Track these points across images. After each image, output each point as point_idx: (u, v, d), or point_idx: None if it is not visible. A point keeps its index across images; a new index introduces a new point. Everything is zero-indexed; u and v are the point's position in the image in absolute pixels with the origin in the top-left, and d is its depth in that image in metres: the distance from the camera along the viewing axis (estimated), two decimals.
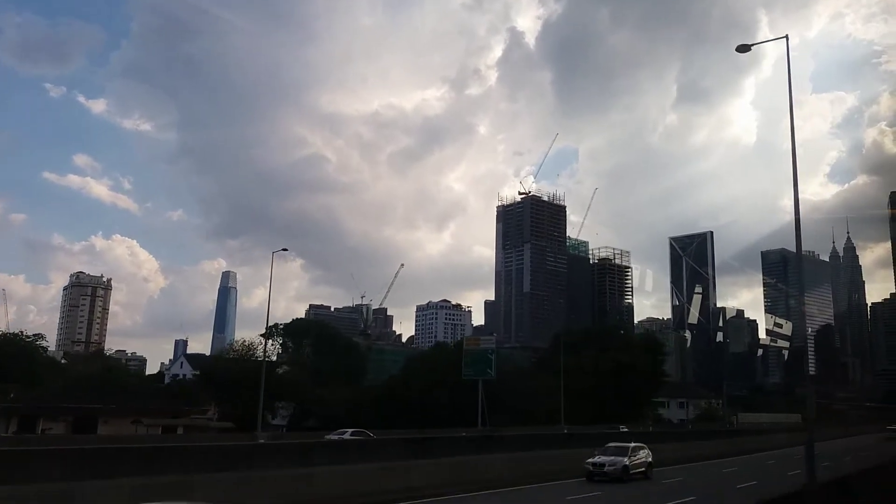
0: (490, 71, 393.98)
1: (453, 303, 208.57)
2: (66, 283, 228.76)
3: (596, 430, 47.83)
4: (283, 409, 67.57)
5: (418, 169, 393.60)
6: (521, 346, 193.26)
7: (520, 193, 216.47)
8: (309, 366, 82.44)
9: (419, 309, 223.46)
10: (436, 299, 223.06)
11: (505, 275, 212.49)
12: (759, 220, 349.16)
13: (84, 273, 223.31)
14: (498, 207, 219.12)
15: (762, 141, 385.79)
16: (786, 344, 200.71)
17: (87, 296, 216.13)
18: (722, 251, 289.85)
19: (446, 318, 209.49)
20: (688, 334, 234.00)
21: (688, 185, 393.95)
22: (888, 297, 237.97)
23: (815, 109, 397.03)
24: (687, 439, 41.07)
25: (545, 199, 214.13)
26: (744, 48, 23.80)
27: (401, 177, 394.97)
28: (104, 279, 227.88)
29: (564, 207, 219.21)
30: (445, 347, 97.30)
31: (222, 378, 59.04)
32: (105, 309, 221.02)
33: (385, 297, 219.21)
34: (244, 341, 72.31)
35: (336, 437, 36.48)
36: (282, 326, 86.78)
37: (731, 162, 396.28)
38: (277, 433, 50.19)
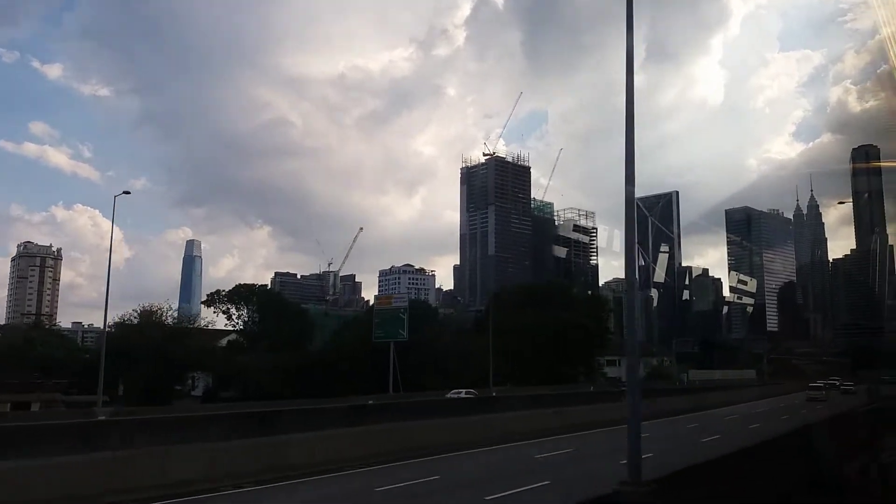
0: (458, 31, 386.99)
1: (416, 267, 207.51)
2: (14, 254, 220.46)
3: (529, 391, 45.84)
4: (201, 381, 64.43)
5: (386, 133, 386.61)
6: (486, 309, 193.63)
7: (484, 155, 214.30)
8: (253, 333, 79.29)
9: (382, 274, 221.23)
10: (402, 264, 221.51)
11: (469, 237, 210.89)
12: (725, 180, 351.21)
13: (32, 243, 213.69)
14: (462, 169, 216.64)
15: (729, 100, 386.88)
16: (750, 301, 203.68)
17: (35, 266, 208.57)
18: (689, 211, 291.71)
19: (409, 283, 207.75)
20: (654, 293, 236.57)
21: (656, 145, 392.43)
22: (849, 252, 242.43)
23: (781, 68, 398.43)
24: (595, 402, 37.84)
25: (509, 160, 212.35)
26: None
27: (369, 141, 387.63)
28: (53, 249, 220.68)
29: (529, 168, 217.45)
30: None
31: (122, 349, 51.69)
32: (55, 280, 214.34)
33: (343, 263, 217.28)
34: (143, 306, 66.52)
35: (454, 395, 43.79)
36: (224, 293, 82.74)
37: (698, 122, 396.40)
38: (131, 409, 38.75)
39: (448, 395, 42.67)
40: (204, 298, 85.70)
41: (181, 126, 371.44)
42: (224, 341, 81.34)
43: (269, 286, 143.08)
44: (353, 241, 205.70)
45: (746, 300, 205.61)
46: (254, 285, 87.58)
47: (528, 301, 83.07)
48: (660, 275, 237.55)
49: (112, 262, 65.18)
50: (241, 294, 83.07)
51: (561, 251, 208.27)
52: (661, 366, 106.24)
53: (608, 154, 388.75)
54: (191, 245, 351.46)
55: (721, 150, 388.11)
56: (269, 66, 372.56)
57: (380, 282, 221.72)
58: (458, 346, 74.02)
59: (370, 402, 31.18)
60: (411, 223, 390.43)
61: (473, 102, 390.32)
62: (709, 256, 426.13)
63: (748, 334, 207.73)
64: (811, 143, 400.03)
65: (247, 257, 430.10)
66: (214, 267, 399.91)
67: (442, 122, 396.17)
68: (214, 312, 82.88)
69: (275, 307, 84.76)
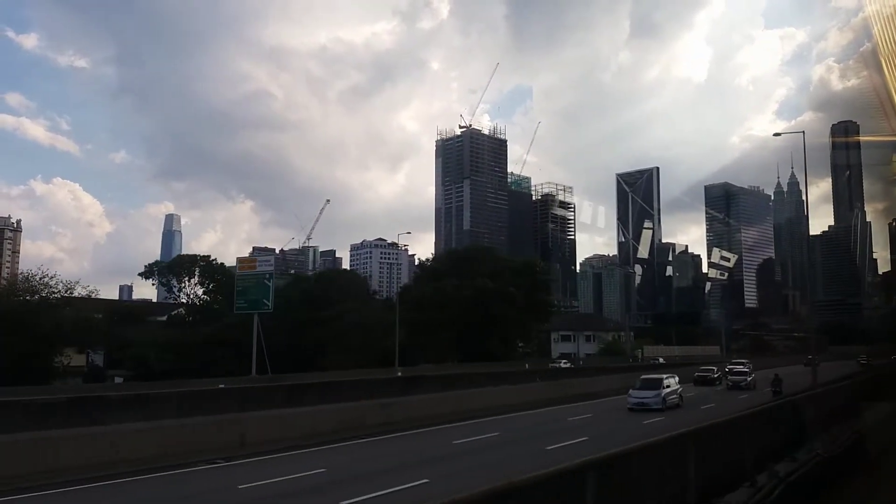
0: (442, 3, 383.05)
1: (389, 241, 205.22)
2: None
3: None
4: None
5: (369, 107, 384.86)
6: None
7: (460, 127, 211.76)
8: (194, 307, 75.79)
9: (353, 248, 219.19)
10: (375, 238, 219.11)
11: (445, 212, 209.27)
12: (708, 157, 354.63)
13: None
14: (437, 141, 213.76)
15: (713, 77, 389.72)
16: (723, 278, 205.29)
17: None
18: (672, 188, 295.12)
19: (381, 258, 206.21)
20: (638, 269, 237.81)
21: (640, 122, 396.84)
22: (826, 228, 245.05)
23: (766, 46, 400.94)
24: (501, 382, 33.11)
25: (486, 133, 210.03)
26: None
27: (351, 115, 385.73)
28: (13, 220, 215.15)
29: (505, 142, 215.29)
30: (301, 278, 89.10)
31: None
32: (15, 252, 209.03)
33: (310, 236, 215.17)
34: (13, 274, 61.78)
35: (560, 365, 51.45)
36: (164, 264, 79.27)
37: (682, 99, 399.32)
38: None
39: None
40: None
41: (161, 98, 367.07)
42: (165, 317, 77.95)
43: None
44: (320, 212, 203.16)
45: (722, 276, 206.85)
46: (196, 256, 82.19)
47: (453, 270, 75.97)
48: (643, 251, 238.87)
49: (93, 236, 62.23)
50: (183, 264, 78.30)
51: (546, 227, 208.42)
52: (618, 341, 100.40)
53: (593, 130, 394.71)
54: (170, 220, 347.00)
55: (704, 128, 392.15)
56: (250, 37, 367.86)
57: (351, 256, 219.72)
58: (371, 320, 67.86)
59: (221, 385, 28.27)
60: (395, 199, 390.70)
61: (457, 77, 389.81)
62: (692, 233, 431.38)
63: (727, 310, 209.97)
64: (794, 121, 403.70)
65: (229, 232, 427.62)
66: (196, 242, 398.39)
67: (426, 96, 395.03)
68: (153, 285, 78.92)
69: (221, 280, 78.19)
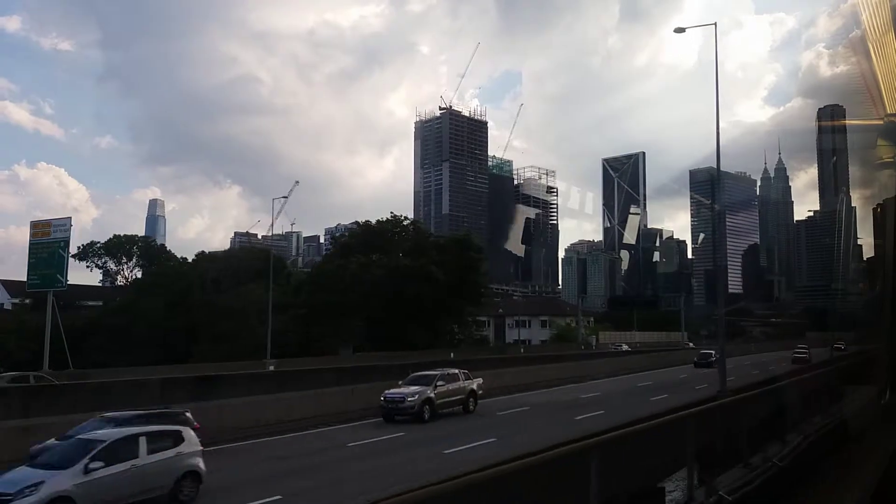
0: None
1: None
2: None
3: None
4: None
5: (358, 91, 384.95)
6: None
7: (440, 108, 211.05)
8: (132, 288, 71.69)
9: (328, 233, 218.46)
10: (350, 222, 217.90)
11: (423, 195, 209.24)
12: (696, 143, 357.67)
13: None
14: (416, 123, 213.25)
15: (702, 63, 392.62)
16: (709, 263, 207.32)
17: None
18: (660, 174, 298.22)
19: None
20: (625, 255, 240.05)
21: (628, 107, 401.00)
22: (811, 213, 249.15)
23: (756, 31, 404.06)
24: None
25: (465, 114, 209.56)
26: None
27: (339, 99, 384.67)
28: None
29: (486, 123, 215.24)
30: (208, 258, 78.99)
31: None
32: None
33: (278, 217, 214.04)
34: None
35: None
36: (100, 245, 75.17)
37: (671, 84, 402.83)
38: None
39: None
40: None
41: (146, 82, 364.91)
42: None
43: (229, 247, 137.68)
44: (288, 193, 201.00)
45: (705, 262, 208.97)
46: (135, 236, 79.35)
47: (366, 246, 69.37)
48: (629, 237, 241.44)
49: (78, 222, 61.09)
50: (122, 245, 75.41)
51: (528, 212, 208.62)
52: (571, 327, 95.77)
53: (583, 116, 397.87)
54: (154, 205, 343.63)
55: (693, 114, 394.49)
56: (236, 21, 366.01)
57: (326, 241, 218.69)
58: (250, 305, 59.66)
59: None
60: (382, 184, 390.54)
61: (447, 61, 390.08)
62: (679, 220, 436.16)
63: (709, 295, 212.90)
64: (782, 107, 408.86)
65: (216, 218, 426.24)
66: (183, 227, 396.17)
67: (415, 80, 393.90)
68: (88, 267, 74.95)
69: (157, 259, 75.27)
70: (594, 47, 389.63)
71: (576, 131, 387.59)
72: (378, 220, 75.42)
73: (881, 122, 7.92)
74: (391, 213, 75.46)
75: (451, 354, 54.33)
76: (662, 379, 41.66)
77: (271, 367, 39.93)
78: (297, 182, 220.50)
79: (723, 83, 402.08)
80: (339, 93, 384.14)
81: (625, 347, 78.32)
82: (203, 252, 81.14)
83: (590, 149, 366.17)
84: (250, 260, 76.54)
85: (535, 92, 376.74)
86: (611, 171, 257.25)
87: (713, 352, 47.85)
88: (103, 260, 75.01)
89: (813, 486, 9.74)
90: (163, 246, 77.76)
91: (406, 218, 77.64)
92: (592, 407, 25.64)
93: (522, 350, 74.05)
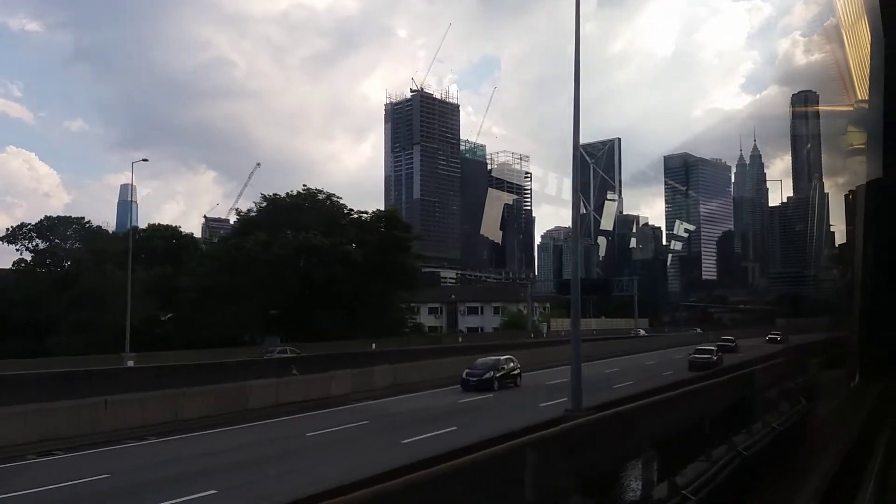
0: None
1: None
2: None
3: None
4: None
5: (333, 75, 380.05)
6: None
7: (411, 91, 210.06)
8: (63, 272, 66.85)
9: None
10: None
11: (394, 179, 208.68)
12: (672, 131, 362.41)
13: None
14: (386, 105, 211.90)
15: (679, 51, 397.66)
16: (683, 250, 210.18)
17: None
18: (637, 161, 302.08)
19: None
20: (602, 242, 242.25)
21: (604, 95, 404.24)
22: (785, 200, 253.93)
23: (733, 18, 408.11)
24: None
25: (437, 96, 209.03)
26: None
27: (314, 83, 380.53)
28: None
29: (458, 106, 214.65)
30: (114, 237, 71.87)
31: None
32: None
33: (238, 200, 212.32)
34: None
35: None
36: (31, 226, 70.72)
37: (648, 72, 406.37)
38: None
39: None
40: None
41: (118, 65, 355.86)
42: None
43: (201, 232, 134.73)
44: (249, 176, 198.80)
45: (678, 248, 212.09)
46: (69, 217, 74.31)
47: (273, 222, 63.92)
48: (606, 224, 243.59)
49: (50, 207, 58.98)
50: (54, 227, 70.90)
51: (503, 197, 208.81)
52: (521, 314, 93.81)
53: (559, 102, 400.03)
54: (125, 190, 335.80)
55: (669, 101, 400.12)
56: (208, 3, 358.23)
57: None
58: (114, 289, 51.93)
59: None
60: (359, 170, 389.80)
61: (424, 45, 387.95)
62: (656, 207, 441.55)
63: (685, 281, 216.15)
64: (758, 95, 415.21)
65: (191, 203, 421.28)
66: (158, 212, 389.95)
67: (392, 65, 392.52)
68: (17, 251, 70.49)
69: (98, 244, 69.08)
70: (572, 34, 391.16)
71: (554, 118, 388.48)
72: (288, 194, 69.01)
73: (851, 109, 8.19)
74: (304, 185, 69.69)
75: (373, 345, 51.03)
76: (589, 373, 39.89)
77: (130, 363, 36.50)
78: (259, 164, 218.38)
79: (700, 70, 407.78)
80: (315, 77, 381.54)
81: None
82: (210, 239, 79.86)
83: (568, 135, 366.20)
84: (156, 239, 70.69)
85: (513, 77, 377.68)
86: (586, 158, 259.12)
87: (713, 348, 42.78)
88: (34, 243, 70.69)
89: (781, 473, 10.04)
90: (99, 227, 74.29)
91: (321, 191, 70.18)
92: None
93: (461, 339, 70.68)
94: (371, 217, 70.88)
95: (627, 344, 65.64)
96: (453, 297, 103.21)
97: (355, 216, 69.61)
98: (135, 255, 61.35)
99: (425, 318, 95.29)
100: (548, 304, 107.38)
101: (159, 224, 77.80)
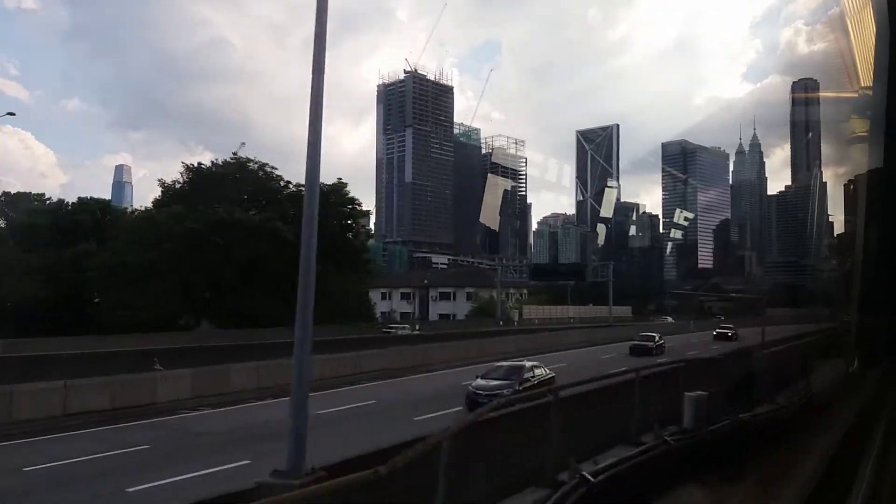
0: None
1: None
2: None
3: None
4: None
5: (332, 57, 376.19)
6: (403, 240, 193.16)
7: (405, 72, 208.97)
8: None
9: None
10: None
11: (386, 162, 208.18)
12: (673, 119, 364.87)
13: None
14: (378, 86, 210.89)
15: (682, 38, 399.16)
16: (680, 238, 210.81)
17: None
18: (637, 149, 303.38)
19: None
20: (601, 229, 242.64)
21: (609, 81, 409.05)
22: (783, 188, 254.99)
23: (736, 7, 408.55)
24: None
25: (431, 77, 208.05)
26: None
27: (311, 65, 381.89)
28: None
29: (451, 88, 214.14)
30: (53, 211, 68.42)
31: None
32: None
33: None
34: None
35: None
36: None
37: (650, 59, 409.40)
38: None
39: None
40: None
41: (114, 43, 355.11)
42: None
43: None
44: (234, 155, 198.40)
45: (677, 236, 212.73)
46: (29, 193, 72.85)
47: (197, 194, 59.35)
48: (605, 211, 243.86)
49: (46, 187, 57.74)
50: (10, 204, 69.55)
51: (503, 182, 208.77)
52: (492, 301, 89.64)
53: (560, 88, 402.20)
54: (120, 171, 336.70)
55: (670, 89, 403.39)
56: None
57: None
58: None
59: None
60: (359, 154, 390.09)
61: (425, 28, 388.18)
62: (655, 195, 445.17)
63: (680, 269, 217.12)
64: (759, 84, 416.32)
65: None
66: (154, 193, 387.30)
67: (392, 49, 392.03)
68: None
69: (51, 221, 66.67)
70: (574, 19, 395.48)
71: (553, 103, 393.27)
72: (213, 162, 63.82)
73: (855, 95, 8.27)
74: (233, 153, 64.36)
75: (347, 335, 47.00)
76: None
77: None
78: (244, 143, 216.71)
79: (703, 58, 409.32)
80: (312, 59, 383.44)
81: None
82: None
83: (568, 121, 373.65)
84: (83, 214, 66.87)
85: (513, 62, 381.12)
86: (584, 144, 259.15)
87: (656, 335, 44.42)
88: None
89: (781, 450, 10.27)
90: (61, 201, 71.75)
91: (251, 160, 63.97)
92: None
93: (418, 328, 67.18)
94: (328, 191, 62.92)
95: (593, 334, 61.38)
96: (426, 281, 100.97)
97: (293, 189, 62.94)
98: (58, 231, 60.37)
99: (398, 304, 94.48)
100: (525, 291, 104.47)
101: (91, 198, 73.53)
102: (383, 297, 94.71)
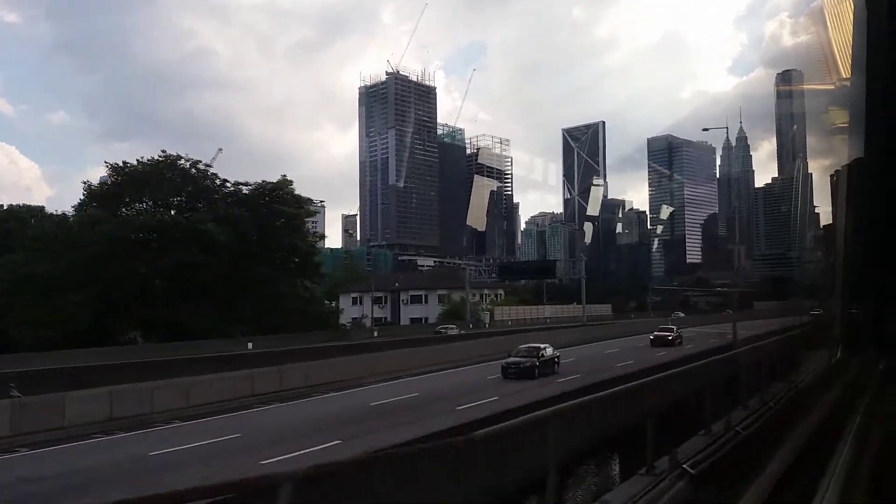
0: None
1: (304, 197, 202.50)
2: None
3: None
4: None
5: (319, 63, 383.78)
6: (388, 244, 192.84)
7: (387, 73, 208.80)
8: None
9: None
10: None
11: (370, 165, 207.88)
12: (659, 114, 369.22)
13: None
14: (360, 88, 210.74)
15: (667, 34, 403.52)
16: (666, 233, 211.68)
17: None
18: (624, 146, 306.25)
19: None
20: (588, 227, 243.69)
21: (595, 79, 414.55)
22: (769, 181, 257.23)
23: (721, 1, 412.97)
24: None
25: (413, 78, 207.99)
26: None
27: (300, 72, 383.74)
28: None
29: (434, 89, 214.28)
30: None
31: None
32: None
33: None
34: None
35: None
36: None
37: (634, 56, 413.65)
38: None
39: None
40: None
41: (99, 55, 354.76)
42: None
43: None
44: (211, 161, 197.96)
45: (663, 232, 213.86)
46: None
47: (120, 197, 56.48)
48: (592, 209, 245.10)
49: (32, 201, 55.71)
50: None
51: (489, 183, 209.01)
52: (461, 303, 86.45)
53: (546, 88, 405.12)
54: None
55: (657, 85, 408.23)
56: None
57: None
58: None
59: None
60: (346, 160, 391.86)
61: (410, 31, 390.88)
62: (642, 192, 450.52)
63: (668, 265, 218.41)
64: (745, 77, 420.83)
65: None
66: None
67: (378, 51, 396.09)
68: None
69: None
70: (559, 18, 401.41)
71: (540, 102, 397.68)
72: (139, 161, 58.30)
73: (834, 87, 8.41)
74: (162, 150, 60.08)
75: (249, 345, 44.77)
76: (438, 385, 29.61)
77: None
78: (220, 150, 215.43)
79: (689, 53, 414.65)
80: (300, 65, 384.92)
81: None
82: None
83: (554, 120, 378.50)
84: (12, 222, 63.73)
85: (499, 63, 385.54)
86: (571, 142, 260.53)
87: (543, 346, 32.83)
88: None
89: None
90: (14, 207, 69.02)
91: (181, 157, 58.96)
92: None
93: (376, 334, 62.90)
94: (254, 190, 59.64)
95: (556, 336, 49.63)
96: (396, 284, 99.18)
97: (231, 188, 59.60)
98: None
99: (369, 309, 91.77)
100: (500, 291, 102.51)
101: (23, 205, 71.48)
102: (354, 301, 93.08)
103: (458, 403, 22.93)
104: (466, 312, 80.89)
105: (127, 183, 56.39)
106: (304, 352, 37.89)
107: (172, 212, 57.27)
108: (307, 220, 67.42)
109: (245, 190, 59.87)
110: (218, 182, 60.06)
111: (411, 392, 27.09)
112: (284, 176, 61.91)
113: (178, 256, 50.15)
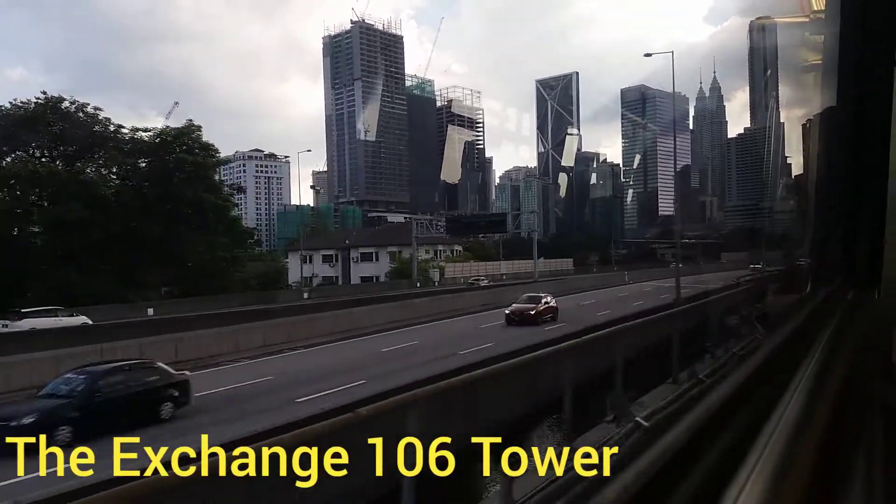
0: None
1: (266, 152, 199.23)
2: None
3: None
4: None
5: (286, 12, 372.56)
6: (357, 200, 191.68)
7: (352, 22, 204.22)
8: None
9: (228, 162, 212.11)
10: (251, 149, 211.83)
11: (336, 119, 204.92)
12: (633, 66, 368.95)
13: None
14: (324, 38, 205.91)
15: None
16: (639, 184, 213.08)
17: None
18: (598, 97, 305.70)
19: (256, 171, 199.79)
20: (563, 179, 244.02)
21: (564, 28, 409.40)
22: (742, 132, 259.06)
23: None
24: None
25: (379, 27, 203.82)
26: None
27: (267, 22, 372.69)
28: None
29: (401, 38, 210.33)
30: None
31: None
32: None
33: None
34: None
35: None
36: None
37: (610, 4, 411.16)
38: None
39: None
40: None
41: (58, 9, 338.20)
42: None
43: None
44: (167, 115, 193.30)
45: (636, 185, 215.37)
46: None
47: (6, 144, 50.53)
48: (568, 161, 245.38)
49: None
50: None
51: (464, 134, 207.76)
52: (407, 260, 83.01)
53: (520, 38, 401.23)
54: None
55: (631, 35, 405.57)
56: None
57: (223, 170, 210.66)
58: None
59: None
60: (318, 114, 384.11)
61: None
62: (616, 146, 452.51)
63: (641, 218, 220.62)
64: (719, 27, 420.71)
65: None
66: None
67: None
68: None
69: None
70: None
71: (512, 53, 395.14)
72: (12, 103, 51.79)
73: (807, 20, 8.50)
74: (42, 91, 53.99)
75: (150, 311, 41.48)
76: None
77: None
78: (177, 103, 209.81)
79: (664, 3, 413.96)
80: (266, 14, 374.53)
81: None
82: None
83: (529, 71, 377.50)
84: None
85: (472, 13, 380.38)
86: (544, 93, 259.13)
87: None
88: None
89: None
90: None
91: (63, 99, 52.56)
92: None
93: (307, 296, 58.90)
94: (154, 137, 54.18)
95: (501, 295, 48.35)
96: (346, 241, 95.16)
97: (128, 134, 54.10)
98: None
99: (319, 268, 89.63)
100: (458, 247, 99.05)
101: None
102: (305, 259, 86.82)
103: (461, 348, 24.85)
104: (413, 270, 76.87)
105: (7, 130, 49.48)
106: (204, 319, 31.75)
107: (59, 163, 50.88)
108: (222, 167, 65.74)
109: (145, 137, 54.31)
110: (112, 128, 54.13)
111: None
112: (191, 121, 56.95)
113: (55, 212, 45.27)
